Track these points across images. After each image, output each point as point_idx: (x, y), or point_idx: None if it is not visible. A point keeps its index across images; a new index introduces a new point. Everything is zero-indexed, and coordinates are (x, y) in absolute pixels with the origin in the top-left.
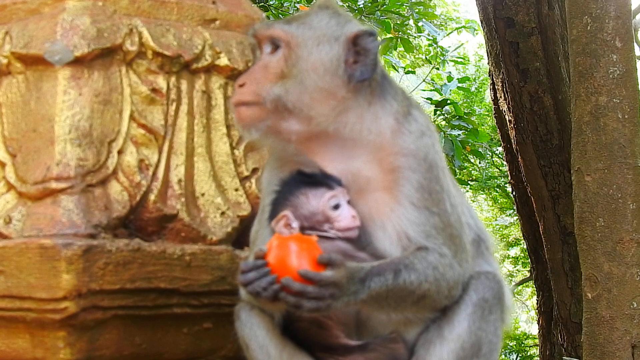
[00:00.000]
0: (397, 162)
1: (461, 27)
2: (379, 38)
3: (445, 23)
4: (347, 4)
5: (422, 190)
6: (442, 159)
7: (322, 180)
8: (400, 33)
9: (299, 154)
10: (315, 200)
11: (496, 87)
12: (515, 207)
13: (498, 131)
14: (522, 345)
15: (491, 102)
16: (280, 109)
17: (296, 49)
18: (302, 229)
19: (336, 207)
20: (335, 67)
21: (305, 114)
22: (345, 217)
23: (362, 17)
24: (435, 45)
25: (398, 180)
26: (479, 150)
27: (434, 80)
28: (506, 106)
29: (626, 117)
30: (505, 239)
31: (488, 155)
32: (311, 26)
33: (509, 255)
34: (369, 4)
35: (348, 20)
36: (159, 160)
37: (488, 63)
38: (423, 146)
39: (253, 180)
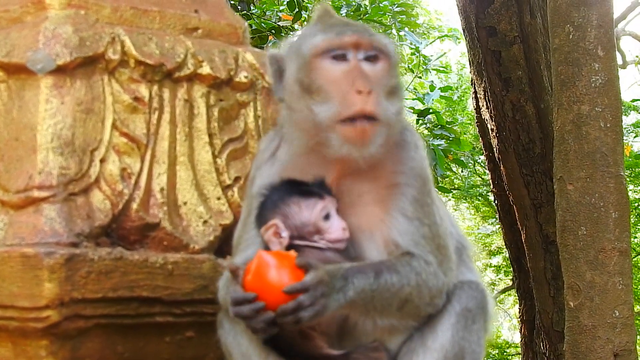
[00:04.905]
0: (397, 179)
1: (444, 36)
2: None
3: (428, 32)
4: None
5: (416, 204)
6: (430, 171)
7: (313, 189)
8: None
9: (321, 164)
10: (308, 211)
11: (478, 95)
12: (497, 216)
13: (480, 140)
14: (505, 353)
15: (473, 110)
16: (387, 127)
17: (395, 65)
18: (292, 238)
19: (327, 217)
20: None
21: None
22: (336, 229)
23: None
24: (417, 54)
25: (393, 195)
26: (462, 159)
27: (416, 89)
28: (488, 115)
29: (608, 125)
30: (487, 248)
31: (470, 164)
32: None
33: (491, 264)
34: (352, 13)
35: None
36: (141, 169)
37: (470, 72)
38: (419, 160)
39: (235, 189)
